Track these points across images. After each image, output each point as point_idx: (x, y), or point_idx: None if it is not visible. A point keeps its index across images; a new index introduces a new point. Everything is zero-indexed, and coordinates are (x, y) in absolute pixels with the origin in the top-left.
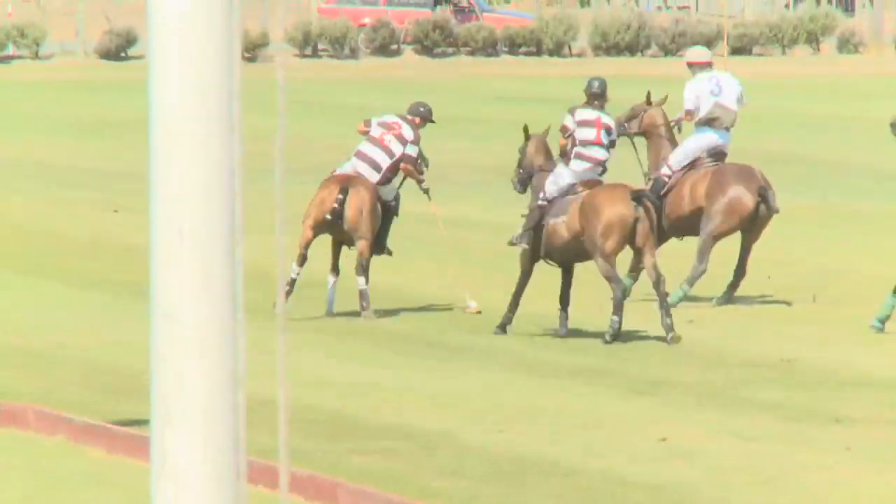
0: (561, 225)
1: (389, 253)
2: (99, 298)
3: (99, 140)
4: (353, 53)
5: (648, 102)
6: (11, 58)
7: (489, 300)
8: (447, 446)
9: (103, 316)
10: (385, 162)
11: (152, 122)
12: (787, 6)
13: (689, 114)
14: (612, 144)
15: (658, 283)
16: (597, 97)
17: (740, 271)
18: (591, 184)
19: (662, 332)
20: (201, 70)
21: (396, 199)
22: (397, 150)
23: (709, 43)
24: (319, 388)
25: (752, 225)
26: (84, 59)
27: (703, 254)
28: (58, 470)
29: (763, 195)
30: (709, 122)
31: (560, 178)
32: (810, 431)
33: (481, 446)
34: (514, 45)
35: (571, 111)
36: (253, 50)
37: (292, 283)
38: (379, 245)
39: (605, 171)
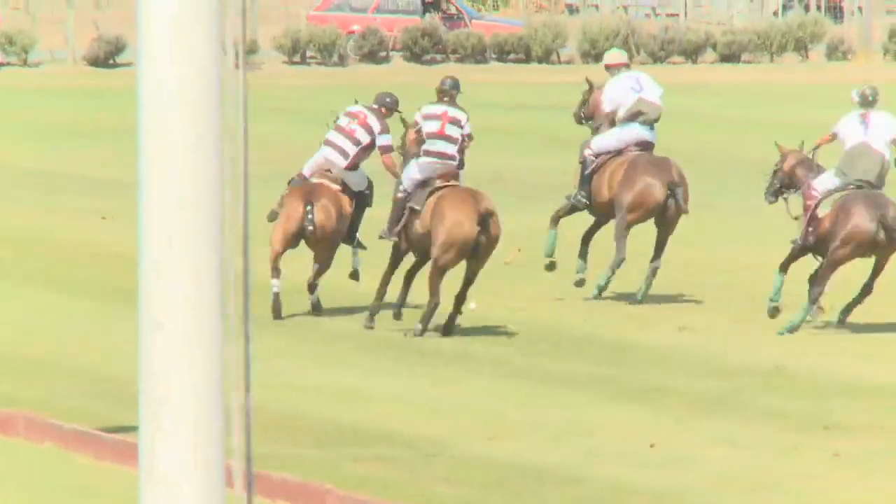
0: (417, 218)
1: (363, 247)
2: (89, 306)
3: (88, 147)
4: (342, 60)
5: (590, 87)
6: (0, 65)
7: (484, 305)
8: (444, 453)
9: (93, 323)
10: (352, 150)
11: (141, 129)
12: (775, 13)
13: (607, 115)
14: (467, 138)
15: (465, 288)
16: (446, 94)
17: (656, 258)
18: (448, 176)
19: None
20: (190, 77)
21: (370, 187)
22: (363, 138)
23: (697, 50)
24: (314, 395)
25: (662, 219)
26: (73, 66)
27: (618, 242)
28: (46, 477)
29: (673, 191)
30: (633, 118)
31: (412, 171)
32: (802, 438)
33: (478, 454)
34: (503, 52)
35: (420, 108)
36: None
37: (276, 297)
38: (350, 236)
39: (461, 165)
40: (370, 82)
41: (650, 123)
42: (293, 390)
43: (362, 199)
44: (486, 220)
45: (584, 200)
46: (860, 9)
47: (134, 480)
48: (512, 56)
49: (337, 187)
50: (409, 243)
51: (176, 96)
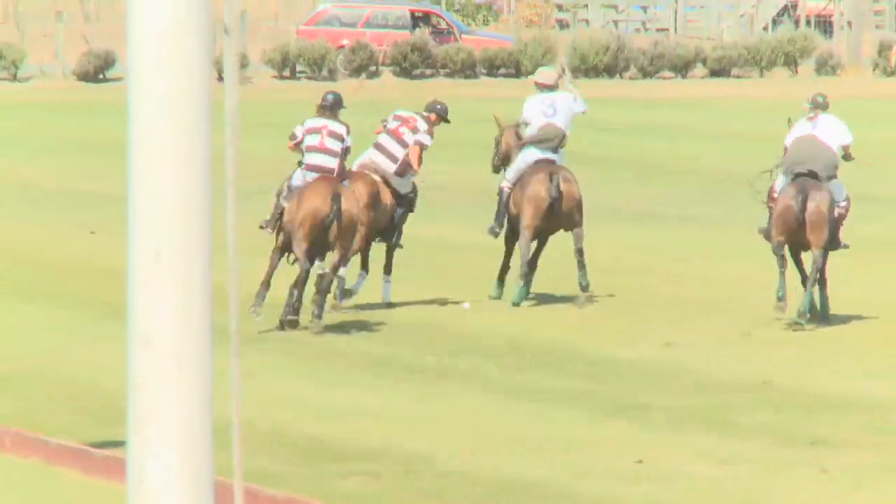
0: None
1: (400, 246)
2: (77, 320)
3: (78, 162)
4: (332, 75)
5: (500, 130)
6: None
7: (470, 320)
8: (428, 469)
9: (81, 338)
10: (400, 153)
11: (131, 144)
12: (765, 28)
13: (518, 143)
14: (346, 152)
15: (324, 279)
16: (326, 109)
17: (577, 244)
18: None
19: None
20: (179, 91)
21: (414, 191)
22: (411, 140)
23: (687, 65)
24: (298, 411)
25: (558, 212)
26: (63, 80)
27: (521, 247)
28: (33, 493)
29: (551, 178)
30: (537, 143)
31: (295, 180)
32: (788, 454)
33: (462, 469)
34: (493, 66)
35: (303, 122)
36: None
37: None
38: (397, 237)
39: (343, 177)
40: (360, 97)
41: (553, 148)
42: (277, 406)
43: (408, 202)
44: (337, 198)
45: (497, 230)
46: (849, 24)
47: (122, 496)
48: (502, 71)
49: (377, 178)
50: (286, 238)
51: (165, 110)
